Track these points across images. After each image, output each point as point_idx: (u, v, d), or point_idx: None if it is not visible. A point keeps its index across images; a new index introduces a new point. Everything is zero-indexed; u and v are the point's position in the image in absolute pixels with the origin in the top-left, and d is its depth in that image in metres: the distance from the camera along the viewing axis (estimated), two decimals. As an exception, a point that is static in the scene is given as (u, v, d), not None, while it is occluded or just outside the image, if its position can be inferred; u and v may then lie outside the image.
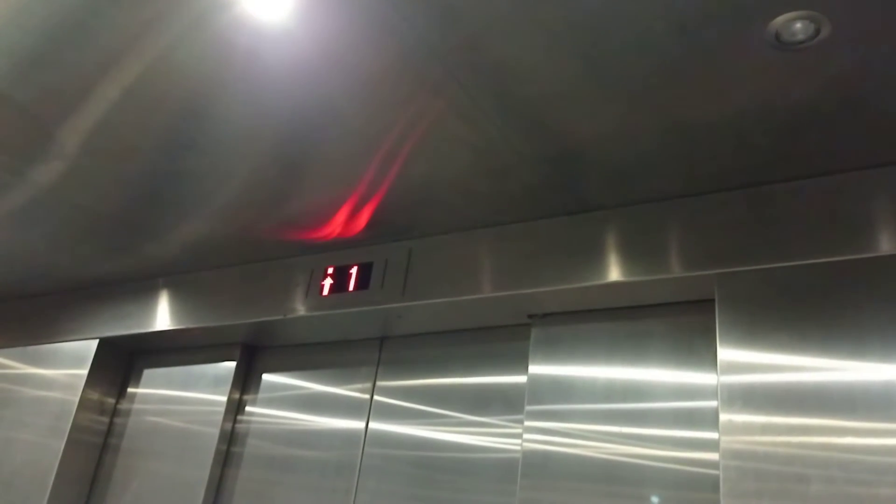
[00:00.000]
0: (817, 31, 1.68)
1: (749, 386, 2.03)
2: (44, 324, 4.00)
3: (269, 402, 3.39)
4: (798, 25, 1.67)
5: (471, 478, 2.70)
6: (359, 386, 3.14)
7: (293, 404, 3.31)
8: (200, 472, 3.28)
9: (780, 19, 1.66)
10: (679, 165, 2.24)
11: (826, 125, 1.98)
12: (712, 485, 2.07)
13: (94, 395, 3.69)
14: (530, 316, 2.70)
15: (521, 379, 2.67)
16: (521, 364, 2.68)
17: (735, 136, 2.07)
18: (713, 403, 2.16)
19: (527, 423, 2.53)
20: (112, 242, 3.33)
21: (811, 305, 2.03)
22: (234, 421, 3.41)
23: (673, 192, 2.36)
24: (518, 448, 2.54)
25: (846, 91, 1.86)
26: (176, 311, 3.48)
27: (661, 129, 2.08)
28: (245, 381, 3.49)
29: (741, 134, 2.06)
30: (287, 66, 2.04)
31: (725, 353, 2.10)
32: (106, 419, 3.73)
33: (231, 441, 3.38)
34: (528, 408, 2.55)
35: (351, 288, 2.94)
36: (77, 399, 3.61)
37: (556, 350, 2.60)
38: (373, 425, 3.02)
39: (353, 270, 2.97)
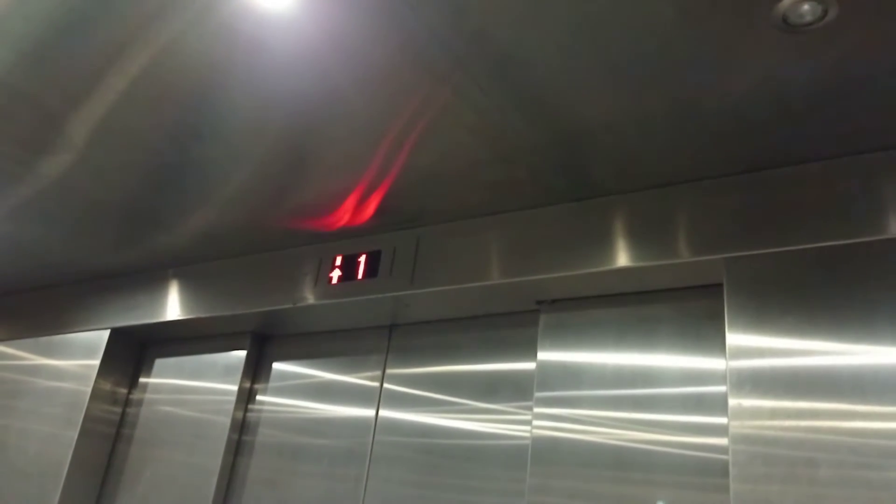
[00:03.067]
0: (825, 13, 1.67)
1: (758, 370, 2.02)
2: (55, 315, 4.02)
3: (280, 391, 3.40)
4: (806, 7, 1.66)
5: (481, 465, 2.71)
6: (368, 374, 3.15)
7: (303, 393, 3.33)
8: (212, 460, 3.30)
9: (788, 1, 1.65)
10: (687, 150, 2.23)
11: (834, 107, 1.97)
12: (722, 470, 2.06)
13: (107, 386, 3.71)
14: (539, 302, 2.70)
15: (530, 365, 2.68)
16: (529, 351, 2.69)
17: (743, 120, 2.06)
18: (722, 388, 2.16)
19: (536, 410, 2.53)
20: (122, 233, 3.35)
21: (820, 289, 2.02)
22: (246, 410, 3.43)
23: (680, 176, 2.35)
24: (528, 435, 2.55)
25: (854, 73, 1.84)
26: (186, 300, 3.50)
27: (669, 113, 2.07)
28: (256, 370, 3.50)
29: (749, 117, 2.05)
30: (293, 56, 2.04)
31: (734, 338, 2.09)
32: (118, 409, 3.75)
33: (242, 430, 3.39)
34: (537, 394, 2.55)
35: (360, 276, 2.95)
36: (89, 389, 3.63)
37: (565, 336, 2.60)
38: (383, 413, 3.03)
39: (362, 259, 2.97)
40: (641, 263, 2.34)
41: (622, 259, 2.38)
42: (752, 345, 2.06)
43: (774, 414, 1.95)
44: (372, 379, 3.13)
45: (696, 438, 2.27)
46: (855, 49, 1.77)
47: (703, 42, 1.80)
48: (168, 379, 3.72)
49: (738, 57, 1.83)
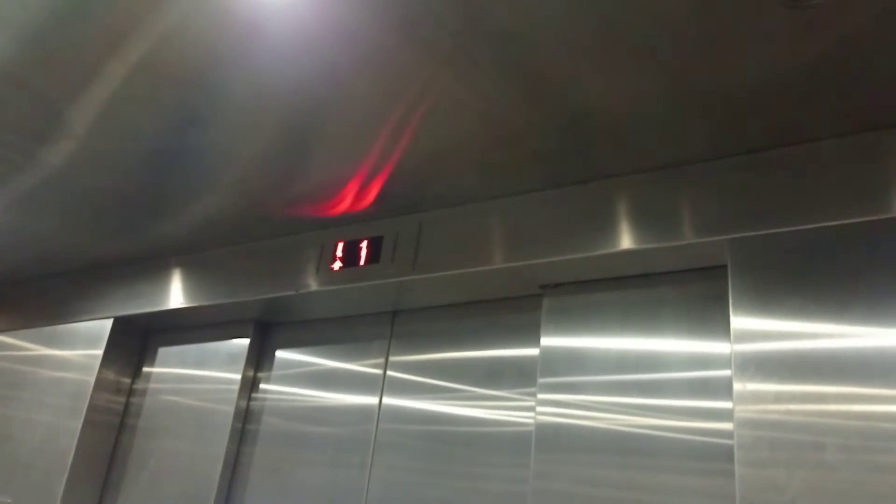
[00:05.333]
0: (830, -13, 1.64)
1: (763, 354, 2.00)
2: (58, 304, 4.02)
3: (283, 379, 3.40)
4: (810, -19, 1.64)
5: (485, 451, 2.70)
6: (372, 361, 3.14)
7: (307, 381, 3.32)
8: (216, 449, 3.30)
9: (792, -25, 1.63)
10: (690, 130, 2.21)
11: (839, 85, 1.94)
12: (727, 454, 2.05)
13: (110, 375, 3.71)
14: (542, 286, 2.68)
15: (533, 351, 2.66)
16: (533, 336, 2.67)
17: (747, 99, 2.04)
18: (727, 372, 2.15)
19: (540, 396, 2.52)
20: (123, 222, 3.34)
21: (825, 270, 2.00)
22: (249, 398, 3.43)
23: (684, 157, 2.33)
24: (531, 421, 2.53)
25: (860, 49, 1.82)
26: (189, 288, 3.49)
27: (672, 93, 2.05)
28: (259, 359, 3.50)
29: (753, 96, 2.02)
30: (291, 39, 2.02)
31: (738, 321, 2.07)
32: (122, 399, 3.76)
33: (246, 418, 3.39)
34: (540, 380, 2.54)
35: (362, 262, 2.94)
36: (93, 379, 3.64)
37: (569, 321, 2.58)
38: (386, 400, 3.03)
39: (364, 245, 2.96)
40: (645, 246, 2.32)
41: (625, 242, 2.36)
42: (756, 328, 2.04)
43: (780, 397, 1.94)
44: (375, 366, 3.12)
45: (700, 423, 2.26)
46: (862, 24, 1.74)
47: (707, 19, 1.78)
48: (171, 368, 3.72)
49: (742, 33, 1.81)
